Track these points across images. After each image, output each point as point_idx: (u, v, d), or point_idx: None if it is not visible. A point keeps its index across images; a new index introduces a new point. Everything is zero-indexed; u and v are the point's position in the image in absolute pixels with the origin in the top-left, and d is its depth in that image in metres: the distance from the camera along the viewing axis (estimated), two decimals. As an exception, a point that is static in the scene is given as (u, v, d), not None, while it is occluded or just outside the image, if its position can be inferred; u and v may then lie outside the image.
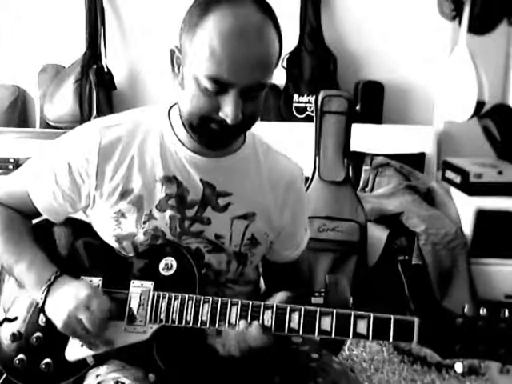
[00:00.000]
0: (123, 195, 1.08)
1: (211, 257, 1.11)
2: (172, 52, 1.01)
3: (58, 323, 1.03)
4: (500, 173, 2.79)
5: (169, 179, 1.08)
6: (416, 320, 0.94)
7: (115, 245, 1.11)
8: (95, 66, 3.20)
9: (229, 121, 0.96)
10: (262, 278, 1.29)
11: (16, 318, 1.12)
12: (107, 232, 1.11)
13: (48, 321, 1.07)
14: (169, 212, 1.08)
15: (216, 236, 1.10)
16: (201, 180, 1.09)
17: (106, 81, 3.22)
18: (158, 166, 1.08)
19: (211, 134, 1.01)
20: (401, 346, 2.36)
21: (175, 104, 1.12)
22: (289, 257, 1.23)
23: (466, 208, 2.71)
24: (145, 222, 1.08)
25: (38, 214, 1.16)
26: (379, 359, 2.28)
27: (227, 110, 0.95)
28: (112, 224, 1.09)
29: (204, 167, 1.09)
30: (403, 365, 2.25)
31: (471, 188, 2.76)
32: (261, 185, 1.13)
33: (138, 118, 1.12)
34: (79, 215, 1.18)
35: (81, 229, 1.15)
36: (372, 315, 0.96)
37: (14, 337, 1.10)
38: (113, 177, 1.07)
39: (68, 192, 1.10)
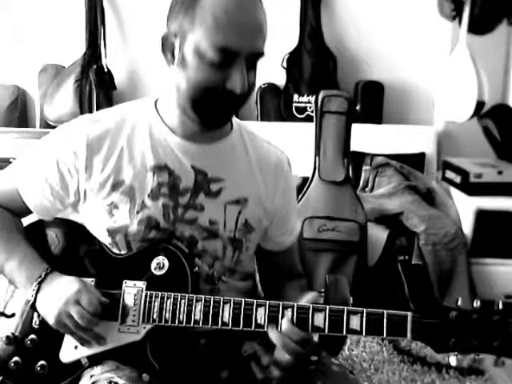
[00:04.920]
0: (114, 187, 1.08)
1: (206, 244, 1.11)
2: (164, 39, 1.03)
3: (50, 319, 1.04)
4: (500, 173, 2.79)
5: (160, 168, 1.09)
6: (409, 315, 0.95)
7: (108, 240, 1.10)
8: (95, 66, 3.20)
9: (237, 90, 0.98)
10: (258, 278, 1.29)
11: (13, 315, 1.12)
12: (100, 226, 1.10)
13: (42, 323, 1.07)
14: (162, 200, 1.08)
15: (210, 222, 1.10)
16: (192, 166, 1.10)
17: (106, 81, 3.22)
18: (149, 155, 1.09)
19: (215, 108, 1.02)
20: (401, 346, 2.36)
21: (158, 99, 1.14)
22: (284, 243, 1.23)
23: (466, 208, 2.71)
24: (138, 212, 1.08)
25: (29, 212, 1.16)
26: (379, 359, 2.28)
27: (235, 80, 0.98)
28: (105, 217, 1.09)
29: (195, 154, 1.10)
30: (403, 365, 2.25)
31: (471, 188, 2.76)
32: (250, 170, 1.15)
33: (125, 111, 1.13)
34: (71, 216, 1.18)
35: (73, 231, 1.15)
36: (365, 311, 0.96)
37: (9, 339, 1.09)
38: (103, 169, 1.08)
39: (57, 188, 1.10)
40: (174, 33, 1.02)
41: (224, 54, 0.96)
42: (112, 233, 1.10)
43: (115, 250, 1.11)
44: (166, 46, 1.03)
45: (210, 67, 0.98)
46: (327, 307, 0.98)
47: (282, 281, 1.24)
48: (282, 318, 0.98)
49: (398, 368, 2.23)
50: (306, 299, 1.02)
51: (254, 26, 0.99)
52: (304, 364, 1.01)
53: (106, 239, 1.11)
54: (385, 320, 0.95)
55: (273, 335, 0.98)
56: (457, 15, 3.00)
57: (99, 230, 1.11)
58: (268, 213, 1.16)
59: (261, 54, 1.01)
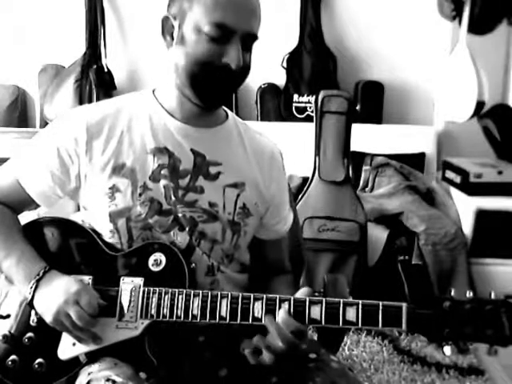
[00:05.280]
0: (115, 169, 1.10)
1: (206, 226, 1.12)
2: (165, 20, 1.08)
3: (47, 317, 1.04)
4: (500, 173, 2.79)
5: (160, 150, 1.11)
6: (404, 305, 0.95)
7: (109, 227, 1.11)
8: (95, 66, 3.20)
9: (233, 65, 1.03)
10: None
11: (8, 316, 1.12)
12: (101, 211, 1.11)
13: (39, 321, 1.08)
14: (163, 182, 1.10)
15: (210, 204, 1.12)
16: (191, 149, 1.12)
17: (106, 81, 3.22)
18: (149, 138, 1.11)
19: (212, 84, 1.06)
20: (401, 346, 2.36)
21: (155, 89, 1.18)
22: (279, 232, 1.25)
23: (466, 208, 2.72)
24: (140, 195, 1.09)
25: (28, 206, 1.17)
26: (379, 359, 2.28)
27: (231, 55, 1.03)
28: (106, 201, 1.10)
29: (193, 137, 1.13)
30: (403, 365, 2.25)
31: (471, 188, 2.77)
32: (246, 157, 1.18)
33: (123, 99, 1.17)
34: (70, 216, 1.19)
35: (70, 228, 1.16)
36: (361, 302, 0.97)
37: (6, 338, 1.09)
38: (103, 152, 1.10)
39: (57, 173, 1.11)
40: (174, 15, 1.06)
41: (221, 30, 1.02)
42: (114, 217, 1.10)
43: (115, 240, 1.11)
44: (166, 29, 1.08)
45: (208, 42, 1.03)
46: (323, 300, 0.99)
47: (269, 276, 1.25)
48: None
49: (398, 368, 2.23)
50: (300, 293, 1.03)
51: (250, 8, 1.05)
52: (296, 354, 1.02)
53: (107, 226, 1.11)
54: (380, 311, 0.96)
55: (269, 323, 0.99)
56: (457, 15, 3.00)
57: (100, 217, 1.12)
58: (264, 199, 1.19)
59: (255, 37, 1.06)
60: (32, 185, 1.14)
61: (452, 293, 0.96)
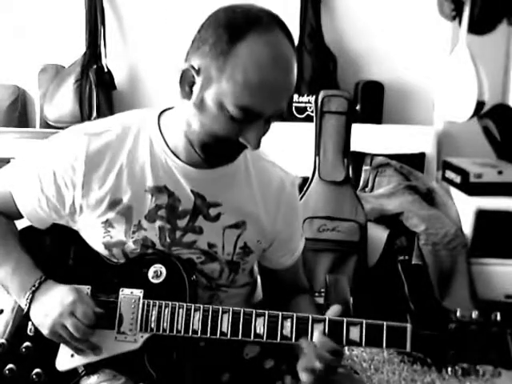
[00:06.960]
0: (111, 205, 1.06)
1: (205, 267, 1.10)
2: (185, 72, 0.96)
3: (44, 330, 1.03)
4: (500, 173, 2.79)
5: (159, 189, 1.06)
6: (409, 326, 0.94)
7: (105, 252, 1.09)
8: (95, 66, 3.20)
9: (251, 148, 0.97)
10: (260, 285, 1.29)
11: (1, 311, 1.11)
12: (96, 239, 1.09)
13: (36, 330, 1.06)
14: (158, 223, 1.07)
15: (209, 245, 1.09)
16: (191, 190, 1.08)
17: (106, 81, 3.22)
18: (148, 175, 1.06)
19: (222, 154, 1.01)
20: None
21: (165, 110, 1.10)
22: (285, 264, 1.21)
23: (466, 208, 2.71)
24: (134, 233, 1.06)
25: (19, 218, 1.13)
26: (379, 359, 2.28)
27: (251, 138, 0.96)
28: (101, 232, 1.07)
29: (194, 178, 1.07)
30: (403, 365, 2.25)
31: (471, 188, 2.76)
32: (251, 193, 1.12)
33: (126, 125, 1.09)
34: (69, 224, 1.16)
35: (69, 236, 1.13)
36: (364, 322, 0.96)
37: (3, 346, 1.08)
38: (101, 186, 1.05)
39: (53, 200, 1.07)
40: (198, 69, 0.95)
41: (246, 114, 0.93)
42: (108, 247, 1.08)
43: (113, 260, 1.10)
44: (186, 80, 0.97)
45: (229, 120, 0.94)
46: (326, 318, 0.97)
47: (288, 295, 1.21)
48: (282, 328, 0.98)
49: (398, 368, 2.23)
50: (330, 312, 1.01)
51: (284, 89, 0.94)
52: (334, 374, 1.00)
53: (102, 251, 1.09)
54: (384, 332, 0.95)
55: (305, 344, 0.97)
56: (457, 15, 2.99)
57: (96, 243, 1.10)
58: (268, 236, 1.15)
59: (282, 111, 0.98)
60: (25, 205, 1.10)
61: (458, 313, 0.95)
